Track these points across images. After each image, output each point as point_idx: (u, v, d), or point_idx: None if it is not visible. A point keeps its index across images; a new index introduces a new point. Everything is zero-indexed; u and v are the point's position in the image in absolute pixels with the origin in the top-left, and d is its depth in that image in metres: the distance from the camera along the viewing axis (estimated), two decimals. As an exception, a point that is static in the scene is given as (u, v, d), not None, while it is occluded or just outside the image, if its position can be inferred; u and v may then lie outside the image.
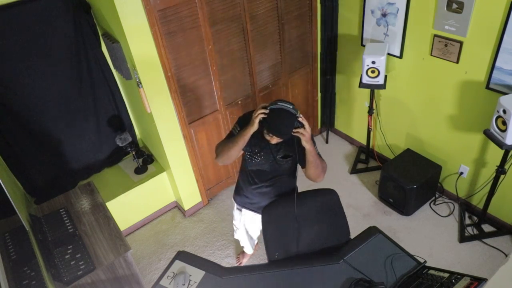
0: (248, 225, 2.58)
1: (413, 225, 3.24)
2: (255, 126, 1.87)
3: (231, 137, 2.03)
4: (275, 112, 1.82)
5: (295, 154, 2.07)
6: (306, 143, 1.89)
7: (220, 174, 3.63)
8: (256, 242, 2.87)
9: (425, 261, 1.87)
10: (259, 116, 1.84)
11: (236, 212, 2.54)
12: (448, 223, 3.22)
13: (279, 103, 1.82)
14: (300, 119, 1.84)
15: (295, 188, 2.33)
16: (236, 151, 1.99)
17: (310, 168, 2.02)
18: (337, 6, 3.45)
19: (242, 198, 2.38)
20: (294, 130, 1.84)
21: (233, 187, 2.53)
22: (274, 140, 1.92)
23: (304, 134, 1.84)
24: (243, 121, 2.01)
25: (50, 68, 2.80)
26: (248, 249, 2.87)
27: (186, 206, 3.55)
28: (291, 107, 1.81)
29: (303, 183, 3.72)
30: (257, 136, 1.99)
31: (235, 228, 2.69)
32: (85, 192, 2.76)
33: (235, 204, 2.50)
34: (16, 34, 2.57)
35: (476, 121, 2.88)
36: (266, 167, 2.12)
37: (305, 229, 2.11)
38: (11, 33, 2.55)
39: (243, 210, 2.45)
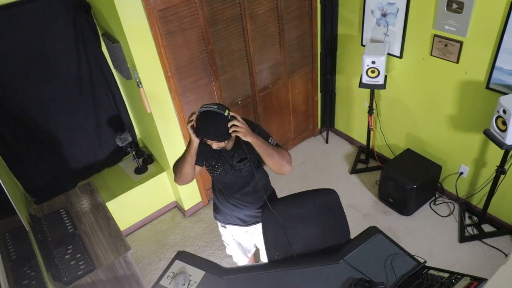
0: (239, 239, 2.47)
1: (413, 225, 3.24)
2: (192, 138, 1.82)
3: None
4: (201, 115, 1.78)
5: (251, 155, 1.97)
6: (246, 137, 1.78)
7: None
8: (252, 253, 2.63)
9: (425, 261, 1.87)
10: (188, 125, 1.79)
11: (221, 229, 2.45)
12: (448, 223, 3.22)
13: (203, 107, 1.78)
14: (231, 114, 1.78)
15: (273, 191, 2.30)
16: (187, 169, 1.92)
17: (266, 161, 1.89)
18: (337, 6, 3.45)
19: (221, 215, 2.30)
20: (229, 128, 1.77)
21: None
22: (214, 145, 1.84)
23: (238, 129, 1.75)
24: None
25: (50, 68, 2.80)
26: (243, 262, 2.64)
27: (186, 206, 3.55)
28: (215, 107, 1.76)
29: (303, 183, 3.75)
30: (210, 149, 1.94)
31: (225, 244, 2.57)
32: (85, 192, 2.76)
33: (218, 223, 2.41)
34: (16, 34, 2.57)
35: (476, 121, 2.88)
36: (229, 177, 2.05)
37: (305, 229, 2.11)
38: (11, 33, 2.55)
39: (227, 226, 2.37)
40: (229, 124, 1.76)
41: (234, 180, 2.08)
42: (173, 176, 2.06)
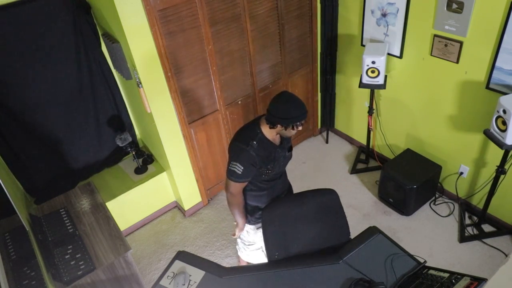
0: None
1: (413, 225, 3.24)
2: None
3: (240, 178, 1.99)
4: (281, 101, 1.91)
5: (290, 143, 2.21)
6: None
7: (220, 174, 3.63)
8: None
9: (425, 261, 1.87)
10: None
11: (256, 233, 2.38)
12: (448, 223, 3.22)
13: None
14: None
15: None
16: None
17: None
18: (337, 6, 3.45)
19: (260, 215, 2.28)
20: None
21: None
22: (300, 126, 1.94)
23: None
24: (246, 159, 1.95)
25: (50, 68, 2.80)
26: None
27: (186, 206, 3.55)
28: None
29: (303, 183, 3.75)
30: (267, 155, 2.01)
31: (251, 251, 2.50)
32: (85, 192, 2.77)
33: (254, 226, 2.34)
34: (16, 34, 2.57)
35: (476, 121, 2.88)
36: (280, 169, 2.18)
37: (305, 229, 2.11)
38: (11, 33, 2.55)
39: None
40: None
41: (282, 168, 2.22)
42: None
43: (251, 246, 2.48)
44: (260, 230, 2.36)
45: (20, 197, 2.94)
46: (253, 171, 2.01)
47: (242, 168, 1.96)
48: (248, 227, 2.36)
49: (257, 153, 1.96)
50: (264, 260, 2.54)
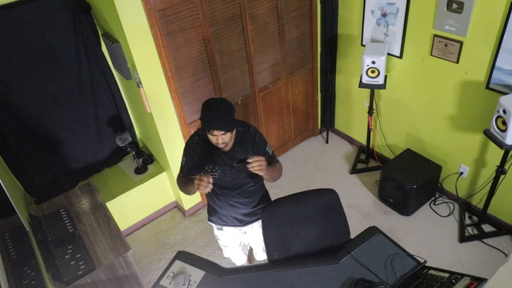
0: (237, 238, 2.44)
1: (413, 225, 3.24)
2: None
3: (183, 170, 2.08)
4: (207, 104, 1.84)
5: (251, 155, 2.02)
6: (262, 172, 1.87)
7: (220, 174, 3.63)
8: (248, 249, 2.63)
9: (425, 261, 1.87)
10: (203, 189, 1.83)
11: (218, 232, 2.41)
12: (448, 223, 3.22)
13: None
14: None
15: (266, 189, 2.32)
16: (192, 193, 2.05)
17: (267, 180, 2.08)
18: (337, 6, 3.45)
19: (217, 217, 2.29)
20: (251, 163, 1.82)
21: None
22: (220, 139, 1.84)
23: (262, 166, 1.82)
24: (187, 151, 2.04)
25: (50, 68, 2.80)
26: (242, 261, 2.64)
27: (186, 206, 3.55)
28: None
29: (303, 183, 3.75)
30: (205, 155, 1.99)
31: (223, 248, 2.56)
32: (85, 192, 2.77)
33: (214, 226, 2.38)
34: (16, 34, 2.57)
35: (476, 121, 2.88)
36: (227, 179, 2.05)
37: (305, 229, 2.11)
38: (11, 33, 2.55)
39: (224, 228, 2.35)
40: (252, 160, 1.81)
41: (234, 180, 2.08)
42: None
43: (219, 241, 2.50)
44: (221, 231, 2.38)
45: (20, 197, 2.95)
46: (190, 165, 2.05)
47: (185, 158, 2.06)
48: (213, 226, 2.39)
49: (194, 148, 2.02)
50: (234, 258, 2.59)
